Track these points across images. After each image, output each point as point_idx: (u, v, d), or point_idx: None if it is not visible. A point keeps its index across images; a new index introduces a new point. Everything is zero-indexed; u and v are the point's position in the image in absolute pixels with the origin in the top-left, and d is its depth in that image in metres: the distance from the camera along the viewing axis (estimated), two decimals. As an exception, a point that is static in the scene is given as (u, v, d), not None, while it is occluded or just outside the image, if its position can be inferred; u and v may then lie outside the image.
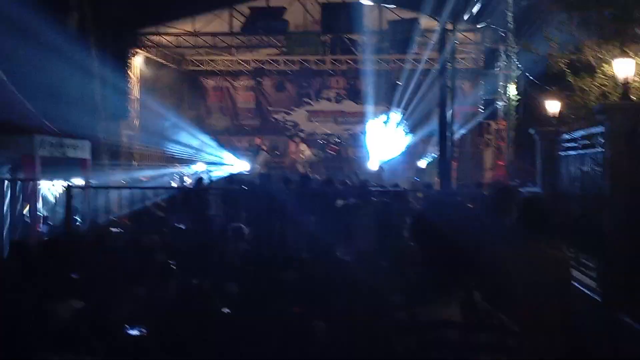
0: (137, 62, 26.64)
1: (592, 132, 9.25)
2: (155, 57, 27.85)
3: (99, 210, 14.08)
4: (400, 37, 25.46)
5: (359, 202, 15.10)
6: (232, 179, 20.42)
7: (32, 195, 13.92)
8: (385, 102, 28.27)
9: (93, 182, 15.58)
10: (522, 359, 3.21)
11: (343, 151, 29.32)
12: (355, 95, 29.80)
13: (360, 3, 25.35)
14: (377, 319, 5.16)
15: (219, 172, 24.44)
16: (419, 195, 16.08)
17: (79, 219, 14.61)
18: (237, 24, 26.56)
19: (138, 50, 26.53)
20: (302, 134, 29.92)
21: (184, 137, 27.09)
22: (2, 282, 9.18)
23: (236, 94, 31.38)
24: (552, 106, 14.94)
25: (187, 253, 11.03)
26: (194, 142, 27.34)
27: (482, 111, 24.81)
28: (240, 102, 31.32)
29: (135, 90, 26.24)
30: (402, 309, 3.58)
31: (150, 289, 9.24)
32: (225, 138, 30.61)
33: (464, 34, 24.28)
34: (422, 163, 25.78)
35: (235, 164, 27.21)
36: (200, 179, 19.85)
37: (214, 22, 26.56)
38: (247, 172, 26.06)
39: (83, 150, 15.36)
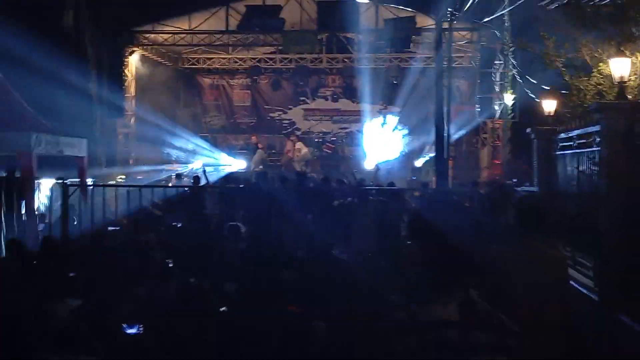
0: (133, 60, 26.61)
1: (589, 131, 9.28)
2: (151, 55, 27.81)
3: (96, 209, 14.07)
4: (396, 35, 25.48)
5: (356, 201, 15.12)
6: (228, 178, 20.41)
7: (28, 194, 13.89)
8: (382, 100, 28.30)
9: (90, 180, 15.57)
10: (521, 358, 3.21)
11: (339, 150, 29.29)
12: (352, 93, 29.81)
13: (356, 1, 25.34)
14: (376, 319, 5.17)
15: (215, 173, 24.41)
16: (416, 194, 16.10)
17: (75, 218, 14.61)
18: (233, 22, 26.52)
19: (134, 48, 26.49)
20: (298, 132, 29.90)
21: (179, 141, 27.10)
22: (0, 281, 9.17)
23: (232, 92, 31.33)
24: (548, 105, 14.96)
25: (184, 252, 11.04)
26: (189, 146, 27.34)
27: (479, 110, 24.81)
28: (236, 100, 31.26)
29: (131, 88, 26.21)
30: (402, 309, 3.61)
31: (148, 289, 9.25)
32: (222, 136, 30.60)
33: (461, 32, 24.28)
34: (419, 162, 25.76)
35: (231, 164, 27.19)
36: (197, 178, 19.84)
37: (210, 20, 26.51)
38: (243, 170, 26.03)
39: (80, 149, 15.34)
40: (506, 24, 23.39)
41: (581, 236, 9.36)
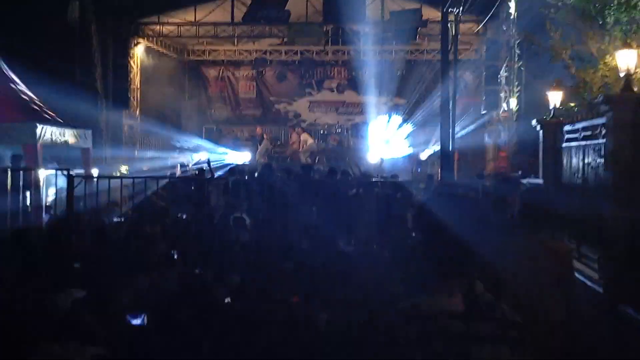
0: (139, 51, 26.59)
1: (595, 123, 9.26)
2: (156, 47, 27.80)
3: (101, 200, 14.06)
4: (402, 27, 25.40)
5: (361, 193, 15.11)
6: (233, 169, 20.38)
7: (33, 185, 13.92)
8: (387, 92, 28.26)
9: (95, 171, 15.59)
10: (524, 349, 3.21)
11: (345, 141, 29.25)
12: (357, 85, 29.73)
13: (363, -7, 25.28)
14: (379, 310, 5.17)
15: (219, 165, 24.40)
16: (422, 186, 16.09)
17: (81, 208, 14.62)
18: (238, 14, 26.48)
19: (139, 40, 26.48)
20: (303, 124, 29.88)
21: (184, 133, 27.17)
22: (3, 272, 9.19)
23: (237, 83, 31.30)
24: (554, 97, 14.91)
25: (189, 243, 11.05)
26: (193, 141, 27.38)
27: (485, 102, 24.78)
28: (241, 92, 31.24)
29: (136, 80, 26.21)
30: (405, 300, 3.59)
31: (152, 279, 9.26)
32: (227, 128, 30.59)
33: (467, 25, 24.21)
34: (424, 155, 25.73)
35: (236, 157, 27.16)
36: (201, 169, 19.83)
37: (215, 12, 26.49)
38: (248, 162, 26.02)
39: (85, 140, 15.37)
40: (512, 17, 23.34)
41: (586, 228, 9.34)
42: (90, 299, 7.87)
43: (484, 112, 24.92)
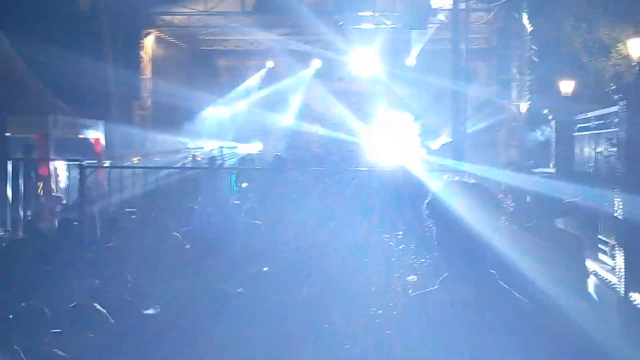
0: (149, 42, 26.57)
1: (607, 112, 9.22)
2: (167, 37, 27.78)
3: (113, 190, 14.12)
4: (412, 15, 25.26)
5: (372, 183, 15.10)
6: (245, 160, 20.43)
7: (46, 175, 13.98)
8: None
9: (107, 161, 15.64)
10: (538, 338, 3.20)
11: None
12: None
13: (373, -19, 25.14)
14: (392, 300, 5.18)
15: (231, 155, 24.42)
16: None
17: (93, 198, 14.67)
18: (249, 4, 26.41)
19: (150, 30, 26.45)
20: (314, 114, 29.83)
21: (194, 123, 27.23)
22: (17, 262, 9.25)
23: (248, 73, 31.25)
24: (566, 86, 14.87)
25: (201, 234, 11.07)
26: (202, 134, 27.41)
27: (496, 91, 24.69)
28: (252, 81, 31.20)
29: (147, 70, 26.19)
30: (418, 289, 3.59)
31: (164, 270, 9.30)
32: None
33: (478, 13, 24.09)
34: (435, 144, 25.67)
35: (247, 147, 27.18)
36: (213, 159, 19.88)
37: (226, 2, 26.41)
38: (260, 152, 26.05)
39: (96, 130, 15.41)
40: (523, 5, 23.20)
41: (598, 217, 9.33)
42: (104, 289, 7.92)
43: (495, 102, 24.84)
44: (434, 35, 25.27)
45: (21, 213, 12.88)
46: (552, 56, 19.15)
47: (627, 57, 13.65)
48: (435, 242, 3.35)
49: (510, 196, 6.83)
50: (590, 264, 7.52)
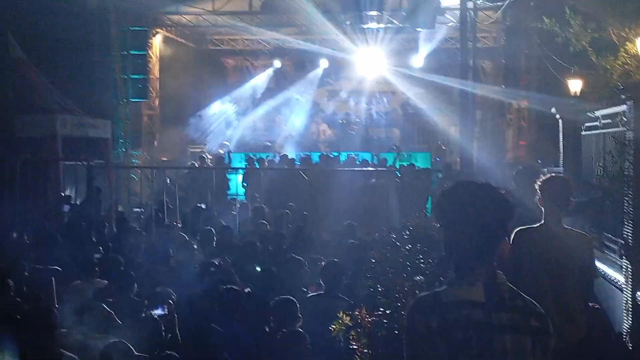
0: (157, 41, 26.57)
1: (615, 111, 9.18)
2: (175, 37, 27.79)
3: (121, 190, 14.15)
4: (420, 15, 25.20)
5: (380, 182, 15.14)
6: (250, 159, 20.41)
7: (53, 176, 14.00)
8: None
9: (114, 161, 15.65)
10: (546, 339, 3.19)
11: (363, 131, 29.11)
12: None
13: (380, -19, 25.07)
14: (399, 300, 5.17)
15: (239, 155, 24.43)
16: (439, 176, 16.09)
17: (100, 198, 14.71)
18: (256, 3, 26.40)
19: (158, 29, 26.47)
20: (322, 114, 29.81)
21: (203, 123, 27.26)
22: (25, 262, 9.27)
23: (256, 73, 31.24)
24: (574, 85, 14.82)
25: (208, 233, 11.10)
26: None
27: (504, 90, 24.61)
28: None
29: (155, 70, 26.20)
30: (425, 289, 3.58)
31: (173, 269, 9.32)
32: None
33: (485, 12, 24.03)
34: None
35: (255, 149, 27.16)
36: (220, 157, 19.90)
37: (233, 1, 26.40)
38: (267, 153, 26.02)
39: (104, 130, 15.42)
40: (531, 4, 23.12)
41: (606, 216, 9.30)
42: (112, 289, 7.94)
43: (503, 100, 24.76)
44: (443, 34, 25.22)
45: (30, 214, 12.89)
46: (559, 55, 19.10)
47: (635, 56, 13.60)
48: (443, 244, 3.35)
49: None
50: (598, 264, 7.49)
